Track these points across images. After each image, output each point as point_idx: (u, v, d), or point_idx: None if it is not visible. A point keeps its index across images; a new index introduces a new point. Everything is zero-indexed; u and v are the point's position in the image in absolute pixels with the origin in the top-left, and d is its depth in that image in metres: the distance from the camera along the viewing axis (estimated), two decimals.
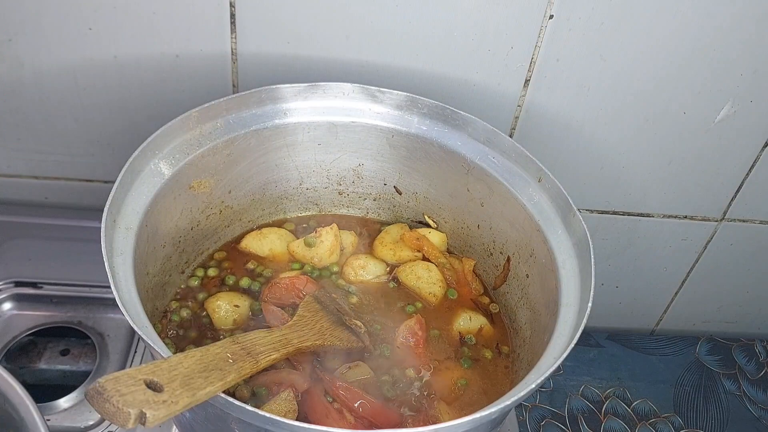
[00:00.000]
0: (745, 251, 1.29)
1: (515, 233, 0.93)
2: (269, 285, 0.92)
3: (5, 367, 0.77)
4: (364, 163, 1.02)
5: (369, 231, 1.06)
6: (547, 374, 0.68)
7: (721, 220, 1.23)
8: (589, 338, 1.36)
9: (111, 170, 1.13)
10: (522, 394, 0.65)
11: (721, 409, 1.28)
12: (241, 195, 0.98)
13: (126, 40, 0.98)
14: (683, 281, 1.34)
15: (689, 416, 1.26)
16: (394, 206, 1.07)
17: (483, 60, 1.01)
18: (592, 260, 0.78)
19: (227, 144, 0.90)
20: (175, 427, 0.89)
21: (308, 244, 0.97)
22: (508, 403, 0.64)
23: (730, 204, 1.21)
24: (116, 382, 0.55)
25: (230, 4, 0.95)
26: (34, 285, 1.04)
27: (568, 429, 1.21)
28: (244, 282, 0.94)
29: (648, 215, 1.22)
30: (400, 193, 1.04)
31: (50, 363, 1.00)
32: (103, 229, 0.72)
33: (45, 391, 0.92)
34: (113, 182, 0.77)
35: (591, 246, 0.79)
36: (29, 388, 0.77)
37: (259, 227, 1.02)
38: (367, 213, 1.09)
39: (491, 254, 0.99)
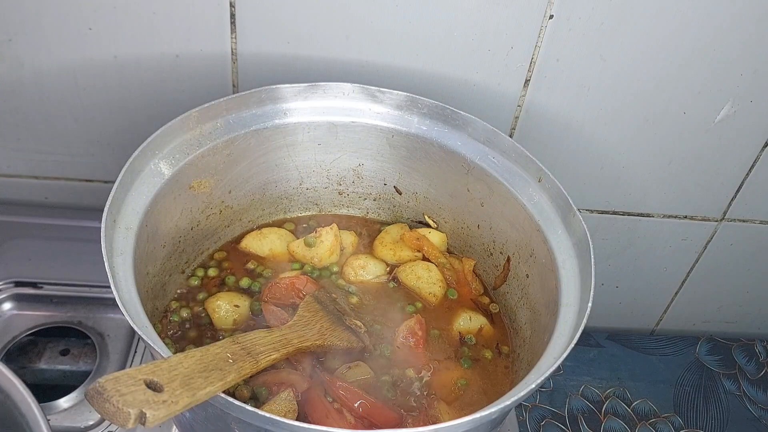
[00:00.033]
0: (745, 251, 1.29)
1: (515, 233, 0.93)
2: (269, 285, 0.92)
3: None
4: (364, 163, 1.02)
5: (369, 231, 1.06)
6: (547, 374, 0.68)
7: (721, 220, 1.23)
8: (589, 338, 1.36)
9: (111, 170, 1.13)
10: (522, 394, 0.65)
11: (721, 409, 1.28)
12: (241, 195, 0.98)
13: (126, 40, 0.98)
14: (683, 281, 1.34)
15: (689, 416, 1.26)
16: (394, 206, 1.07)
17: (483, 60, 1.01)
18: (592, 260, 0.78)
19: (227, 144, 0.90)
20: (175, 427, 0.89)
21: (308, 244, 0.97)
22: (508, 403, 0.64)
23: (730, 204, 1.21)
24: (116, 382, 0.55)
25: (230, 4, 0.95)
26: (34, 285, 1.04)
27: (568, 429, 1.21)
28: (244, 282, 0.94)
29: (648, 215, 1.22)
30: (400, 193, 1.05)
31: (50, 363, 1.00)
32: (103, 229, 0.72)
33: (45, 391, 0.92)
34: (113, 182, 0.77)
35: (591, 246, 0.79)
36: (29, 388, 0.77)
37: (259, 227, 1.02)
38: (367, 213, 1.09)
39: (491, 254, 0.99)
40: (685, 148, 1.12)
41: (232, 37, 0.98)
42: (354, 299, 0.94)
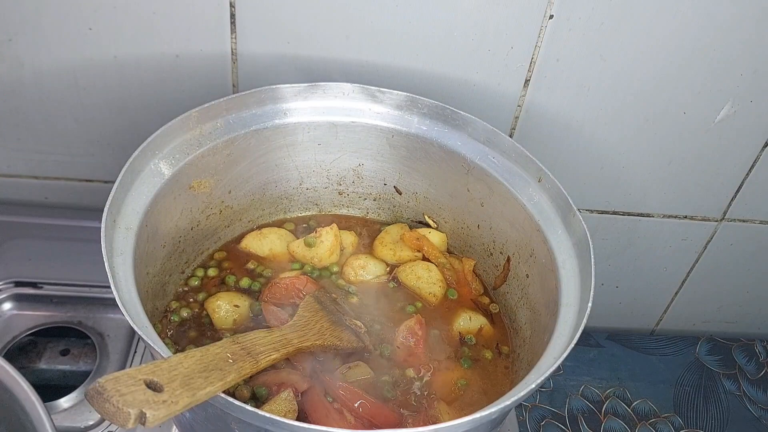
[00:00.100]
0: (745, 251, 1.29)
1: (515, 233, 0.93)
2: (269, 285, 0.92)
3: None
4: (364, 163, 1.02)
5: (369, 231, 1.06)
6: (547, 374, 0.68)
7: (721, 220, 1.23)
8: (589, 338, 1.36)
9: (111, 170, 1.13)
10: (522, 394, 0.65)
11: (721, 409, 1.28)
12: (241, 195, 0.98)
13: (126, 40, 0.98)
14: (683, 281, 1.34)
15: (689, 416, 1.26)
16: (394, 206, 1.07)
17: (483, 60, 1.01)
18: (592, 260, 0.78)
19: (227, 144, 0.90)
20: (175, 427, 0.89)
21: (308, 244, 0.97)
22: (508, 403, 0.64)
23: (730, 204, 1.21)
24: (116, 382, 0.55)
25: (230, 4, 0.95)
26: (34, 285, 1.04)
27: (568, 429, 1.21)
28: (244, 282, 0.94)
29: (648, 215, 1.22)
30: (400, 193, 1.05)
31: (50, 363, 1.00)
32: (103, 229, 0.72)
33: (45, 391, 0.92)
34: (113, 182, 0.77)
35: (591, 246, 0.79)
36: None
37: (259, 227, 1.02)
38: (367, 213, 1.09)
39: (491, 254, 0.99)
40: (685, 148, 1.12)
41: (232, 37, 0.98)
42: (354, 299, 0.94)
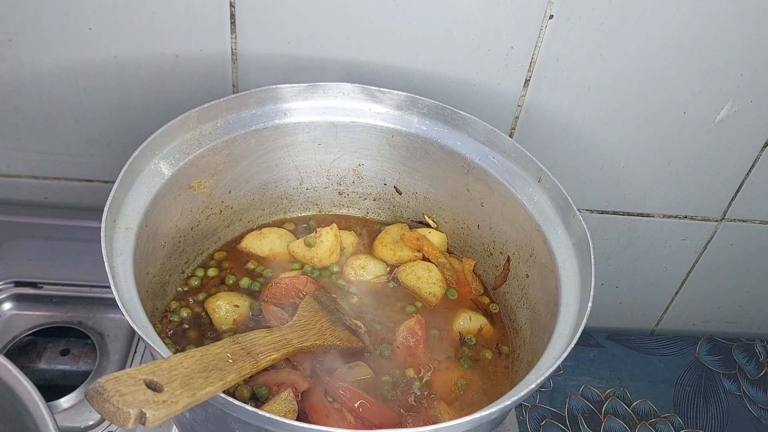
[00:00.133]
0: (745, 251, 1.29)
1: (515, 233, 0.93)
2: (269, 285, 0.92)
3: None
4: (364, 163, 1.02)
5: (369, 231, 1.06)
6: (547, 374, 0.68)
7: (721, 220, 1.23)
8: (589, 338, 1.36)
9: (111, 170, 1.13)
10: (522, 394, 0.65)
11: (721, 409, 1.28)
12: (241, 195, 0.98)
13: (126, 40, 0.98)
14: (683, 281, 1.34)
15: (689, 416, 1.26)
16: (394, 206, 1.07)
17: (483, 60, 1.01)
18: (592, 260, 0.78)
19: (227, 144, 0.90)
20: (175, 427, 0.89)
21: (308, 244, 0.97)
22: (508, 403, 0.64)
23: (730, 204, 1.21)
24: (116, 382, 0.55)
25: (230, 4, 0.95)
26: (34, 285, 1.04)
27: (568, 429, 1.21)
28: (244, 282, 0.94)
29: (648, 215, 1.22)
30: (400, 193, 1.05)
31: (50, 363, 1.00)
32: (103, 229, 0.72)
33: (45, 391, 0.92)
34: (113, 182, 0.77)
35: (591, 246, 0.79)
36: None
37: (259, 227, 1.02)
38: (367, 213, 1.09)
39: (491, 254, 0.99)
40: (685, 148, 1.12)
41: (232, 37, 0.98)
42: (354, 299, 0.94)
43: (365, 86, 0.95)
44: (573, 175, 1.14)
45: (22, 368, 0.98)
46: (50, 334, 1.03)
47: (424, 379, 0.86)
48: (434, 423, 0.70)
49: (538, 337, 0.84)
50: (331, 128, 0.97)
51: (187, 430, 0.78)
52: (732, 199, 1.20)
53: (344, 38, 0.99)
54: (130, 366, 0.99)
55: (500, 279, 0.98)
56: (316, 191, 1.05)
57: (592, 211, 1.21)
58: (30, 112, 1.06)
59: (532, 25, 0.97)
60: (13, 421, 0.77)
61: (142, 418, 0.54)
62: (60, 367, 1.00)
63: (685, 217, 1.23)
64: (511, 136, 1.09)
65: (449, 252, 1.04)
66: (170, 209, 0.87)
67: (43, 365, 1.00)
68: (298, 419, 0.73)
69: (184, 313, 0.89)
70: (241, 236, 1.01)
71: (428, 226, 1.04)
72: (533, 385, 0.66)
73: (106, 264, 0.70)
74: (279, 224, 1.04)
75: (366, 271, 0.97)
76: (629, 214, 1.22)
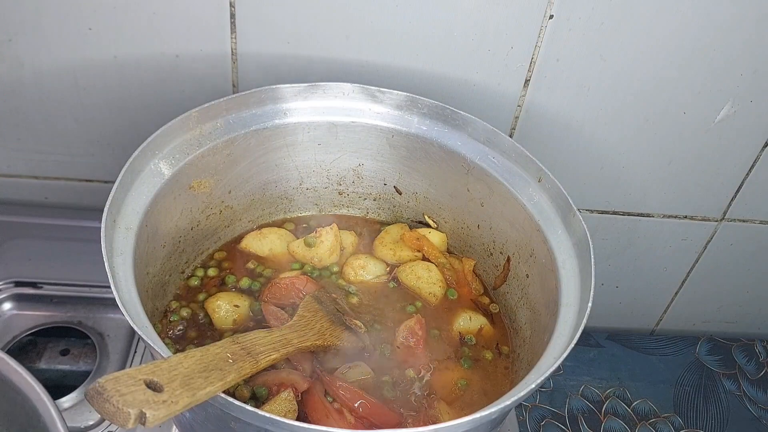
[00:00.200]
0: (745, 251, 1.29)
1: (515, 233, 0.93)
2: (269, 285, 0.92)
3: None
4: (364, 163, 1.02)
5: (369, 231, 1.05)
6: (547, 374, 0.68)
7: (721, 220, 1.23)
8: (589, 338, 1.36)
9: (111, 170, 1.13)
10: (522, 394, 0.65)
11: (721, 409, 1.28)
12: (241, 195, 0.98)
13: (126, 40, 0.98)
14: (683, 281, 1.34)
15: (689, 416, 1.26)
16: (394, 206, 1.07)
17: (483, 60, 1.01)
18: (592, 260, 0.78)
19: (227, 144, 0.90)
20: (175, 427, 0.89)
21: (308, 244, 0.97)
22: (508, 403, 0.64)
23: (730, 204, 1.21)
24: (116, 382, 0.55)
25: (230, 4, 0.95)
26: (34, 285, 1.04)
27: (568, 429, 1.21)
28: (244, 282, 0.94)
29: (648, 215, 1.22)
30: (400, 193, 1.05)
31: (50, 363, 1.00)
32: (103, 229, 0.72)
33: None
34: (113, 182, 0.77)
35: (591, 246, 0.79)
36: None
37: (259, 227, 1.02)
38: (367, 213, 1.09)
39: (491, 254, 0.99)
40: (685, 148, 1.12)
41: (232, 37, 0.98)
42: (354, 299, 0.94)
43: (365, 86, 0.95)
44: (573, 175, 1.14)
45: None
46: (50, 334, 1.03)
47: (424, 379, 0.86)
48: (434, 423, 0.70)
49: (538, 337, 0.84)
50: (331, 128, 0.97)
51: (187, 430, 0.78)
52: (732, 199, 1.20)
53: (344, 38, 0.99)
54: (130, 366, 0.99)
55: (500, 279, 0.98)
56: (316, 191, 1.05)
57: (592, 211, 1.21)
58: (30, 112, 1.06)
59: (532, 25, 0.97)
60: (21, 421, 0.77)
61: (142, 418, 0.54)
62: (60, 367, 1.00)
63: (685, 217, 1.23)
64: (511, 136, 1.09)
65: (449, 252, 1.04)
66: (170, 209, 0.87)
67: (43, 365, 1.00)
68: (298, 419, 0.73)
69: (184, 313, 0.89)
70: (241, 236, 1.01)
71: (428, 226, 1.04)
72: (533, 385, 0.66)
73: (106, 264, 0.70)
74: (279, 224, 1.04)
75: (366, 271, 0.97)
76: (629, 214, 1.22)
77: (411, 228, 1.04)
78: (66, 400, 0.93)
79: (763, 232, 1.26)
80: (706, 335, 1.41)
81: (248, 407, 0.61)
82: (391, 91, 0.94)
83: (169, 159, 0.85)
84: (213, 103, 0.88)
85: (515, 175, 0.91)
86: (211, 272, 0.95)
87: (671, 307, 1.40)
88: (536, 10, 0.96)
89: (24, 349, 1.01)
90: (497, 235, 0.97)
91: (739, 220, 1.24)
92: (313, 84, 0.93)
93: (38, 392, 0.75)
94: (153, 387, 0.57)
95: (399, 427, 0.79)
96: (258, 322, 0.89)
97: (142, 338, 0.65)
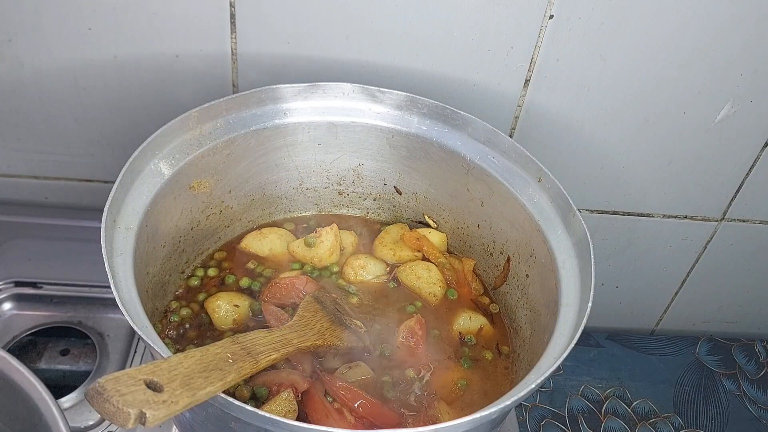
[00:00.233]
0: (745, 251, 1.29)
1: (515, 233, 0.93)
2: (269, 285, 0.92)
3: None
4: (364, 163, 1.02)
5: (369, 231, 1.05)
6: (547, 374, 0.68)
7: (721, 220, 1.23)
8: (589, 338, 1.36)
9: (111, 170, 1.13)
10: (522, 394, 0.65)
11: (721, 409, 1.28)
12: (241, 195, 0.98)
13: (126, 40, 0.98)
14: (683, 281, 1.34)
15: (689, 416, 1.26)
16: (394, 206, 1.07)
17: (483, 60, 1.01)
18: (592, 260, 0.78)
19: (227, 144, 0.90)
20: (175, 427, 0.89)
21: (308, 244, 0.97)
22: (508, 403, 0.64)
23: (730, 204, 1.21)
24: (116, 382, 0.55)
25: (230, 4, 0.95)
26: (34, 285, 1.04)
27: (568, 429, 1.21)
28: (244, 282, 0.94)
29: (648, 215, 1.22)
30: (400, 193, 1.05)
31: (50, 363, 1.00)
32: (103, 229, 0.72)
33: None
34: (113, 182, 0.77)
35: (591, 246, 0.79)
36: None
37: (259, 227, 1.02)
38: (367, 213, 1.09)
39: (491, 254, 0.99)
40: (685, 148, 1.12)
41: (232, 37, 0.98)
42: (354, 299, 0.94)
43: (365, 86, 0.95)
44: (573, 175, 1.14)
45: None
46: (50, 334, 1.03)
47: (424, 379, 0.86)
48: (434, 423, 0.70)
49: (538, 337, 0.84)
50: (331, 128, 0.97)
51: (187, 430, 0.78)
52: (732, 199, 1.20)
53: (344, 38, 0.99)
54: (130, 366, 0.99)
55: (500, 279, 0.98)
56: (316, 191, 1.05)
57: (592, 211, 1.21)
58: (30, 112, 1.06)
59: (532, 25, 0.97)
60: (22, 419, 0.77)
61: (142, 418, 0.54)
62: (60, 367, 1.00)
63: (685, 217, 1.23)
64: (511, 136, 1.09)
65: (449, 252, 1.04)
66: (170, 209, 0.87)
67: (43, 365, 1.00)
68: (298, 419, 0.73)
69: (184, 313, 0.89)
70: (241, 236, 1.01)
71: (428, 226, 1.04)
72: (533, 385, 0.66)
73: (106, 264, 0.70)
74: (279, 224, 1.04)
75: (366, 271, 0.97)
76: (629, 214, 1.22)
77: (411, 228, 1.04)
78: (66, 400, 0.93)
79: (763, 232, 1.26)
80: (706, 335, 1.41)
81: (248, 407, 0.61)
82: (391, 91, 0.94)
83: (169, 159, 0.85)
84: (213, 103, 0.88)
85: (515, 175, 0.91)
86: (211, 272, 0.95)
87: (671, 307, 1.40)
88: (536, 10, 0.96)
89: (24, 349, 1.01)
90: (497, 235, 0.97)
91: (739, 220, 1.24)
92: (313, 84, 0.93)
93: (40, 391, 0.75)
94: (153, 387, 0.57)
95: (399, 427, 0.79)
96: (258, 322, 0.89)
97: (142, 338, 0.65)
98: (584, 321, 0.73)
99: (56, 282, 1.05)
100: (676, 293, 1.37)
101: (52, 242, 1.10)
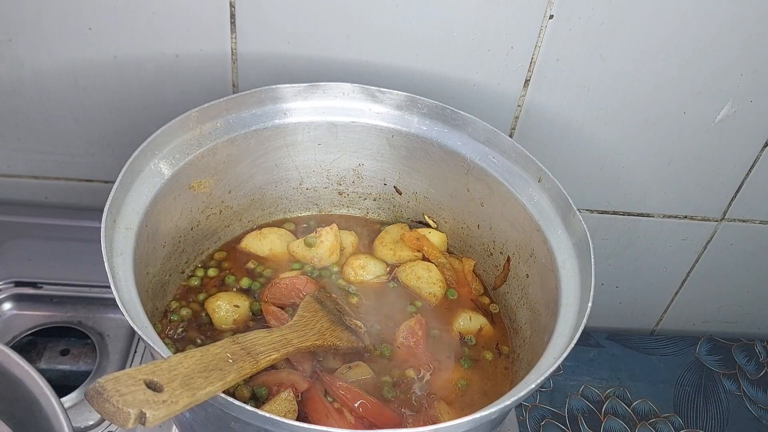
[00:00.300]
0: (745, 251, 1.29)
1: (515, 233, 0.93)
2: (269, 285, 0.92)
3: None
4: (364, 163, 1.02)
5: (369, 231, 1.06)
6: (547, 374, 0.68)
7: (721, 220, 1.23)
8: (589, 338, 1.36)
9: (111, 170, 1.13)
10: (522, 394, 0.65)
11: (721, 409, 1.28)
12: (241, 195, 0.98)
13: (126, 40, 0.98)
14: (683, 281, 1.34)
15: (689, 416, 1.26)
16: (394, 206, 1.07)
17: (483, 60, 1.01)
18: (592, 260, 0.78)
19: (227, 144, 0.90)
20: (175, 427, 0.89)
21: (308, 244, 0.97)
22: (508, 403, 0.64)
23: (730, 204, 1.21)
24: (116, 382, 0.55)
25: (230, 4, 0.95)
26: (34, 285, 1.04)
27: (568, 429, 1.21)
28: (244, 282, 0.94)
29: (648, 215, 1.22)
30: (400, 193, 1.05)
31: (50, 363, 1.00)
32: (103, 229, 0.72)
33: None
34: (113, 182, 0.77)
35: (591, 246, 0.79)
36: None
37: (259, 227, 1.02)
38: (367, 213, 1.09)
39: (491, 254, 0.99)
40: (685, 148, 1.12)
41: (232, 37, 0.98)
42: (354, 299, 0.94)
43: (365, 86, 0.95)
44: (573, 175, 1.14)
45: None
46: (50, 334, 1.03)
47: (424, 379, 0.86)
48: (434, 423, 0.70)
49: (538, 337, 0.84)
50: (331, 128, 0.97)
51: (187, 430, 0.78)
52: (732, 199, 1.20)
53: (344, 38, 0.99)
54: (130, 366, 0.99)
55: (500, 279, 0.98)
56: (316, 191, 1.05)
57: (592, 211, 1.21)
58: (30, 112, 1.06)
59: (532, 25, 0.97)
60: (27, 417, 0.77)
61: (142, 418, 0.54)
62: (60, 367, 1.00)
63: (685, 217, 1.23)
64: (511, 136, 1.09)
65: (449, 252, 1.04)
66: (170, 209, 0.87)
67: (43, 365, 1.00)
68: (298, 419, 0.73)
69: (184, 313, 0.89)
70: (241, 236, 1.01)
71: (428, 226, 1.04)
72: (533, 385, 0.66)
73: (106, 264, 0.70)
74: (279, 224, 1.04)
75: (366, 271, 0.97)
76: (629, 214, 1.22)
77: (411, 228, 1.04)
78: (66, 400, 0.93)
79: (763, 232, 1.26)
80: (706, 335, 1.41)
81: (248, 407, 0.61)
82: (391, 91, 0.94)
83: (169, 159, 0.85)
84: (213, 103, 0.88)
85: (515, 175, 0.91)
86: (211, 272, 0.95)
87: (671, 307, 1.40)
88: (536, 10, 0.96)
89: (24, 349, 1.01)
90: (497, 235, 0.97)
91: (739, 220, 1.24)
92: (313, 84, 0.93)
93: (41, 386, 0.75)
94: (153, 387, 0.57)
95: (399, 427, 0.79)
96: (258, 322, 0.89)
97: (142, 338, 0.65)
98: (584, 321, 0.73)
99: (56, 282, 1.05)
100: (676, 293, 1.37)
101: (52, 242, 1.10)
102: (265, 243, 0.99)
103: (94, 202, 1.17)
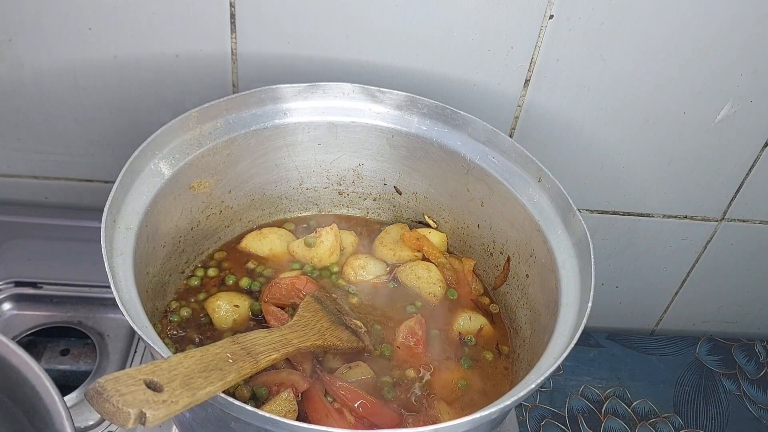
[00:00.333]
0: (745, 251, 1.29)
1: (515, 233, 0.93)
2: (269, 285, 0.92)
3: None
4: (364, 163, 1.02)
5: (369, 231, 1.06)
6: (547, 374, 0.68)
7: (721, 220, 1.23)
8: (589, 338, 1.36)
9: (111, 170, 1.13)
10: (522, 394, 0.65)
11: (721, 409, 1.28)
12: (241, 195, 0.98)
13: (126, 40, 0.98)
14: (683, 281, 1.34)
15: (689, 416, 1.26)
16: (394, 206, 1.07)
17: (483, 60, 1.01)
18: (592, 260, 0.78)
19: (227, 144, 0.90)
20: (175, 427, 0.89)
21: (308, 244, 0.97)
22: (508, 403, 0.64)
23: (730, 204, 1.21)
24: (116, 382, 0.55)
25: (230, 4, 0.95)
26: (34, 285, 1.04)
27: (568, 429, 1.21)
28: (244, 282, 0.94)
29: (648, 215, 1.22)
30: (400, 193, 1.05)
31: (50, 363, 1.00)
32: (103, 229, 0.72)
33: None
34: (113, 182, 0.77)
35: (591, 246, 0.79)
36: None
37: (259, 227, 1.02)
38: (367, 213, 1.09)
39: (491, 254, 0.99)
40: (685, 148, 1.12)
41: (232, 37, 0.98)
42: (354, 299, 0.94)
43: (365, 86, 0.95)
44: (573, 175, 1.14)
45: None
46: (50, 334, 1.03)
47: (424, 379, 0.86)
48: (434, 423, 0.70)
49: (538, 337, 0.84)
50: (331, 128, 0.97)
51: (187, 430, 0.78)
52: (732, 199, 1.20)
53: (344, 38, 0.99)
54: (130, 366, 0.99)
55: (500, 279, 0.98)
56: (316, 191, 1.05)
57: (592, 211, 1.21)
58: (30, 112, 1.06)
59: (532, 25, 0.97)
60: (30, 412, 0.77)
61: (142, 418, 0.54)
62: (60, 367, 1.00)
63: (685, 217, 1.23)
64: (511, 136, 1.09)
65: (449, 252, 1.04)
66: (170, 209, 0.87)
67: (43, 365, 0.99)
68: (298, 419, 0.73)
69: (184, 313, 0.89)
70: (241, 236, 1.01)
71: (428, 226, 1.04)
72: (533, 385, 0.66)
73: (106, 264, 0.70)
74: (279, 224, 1.04)
75: (366, 271, 0.97)
76: (629, 214, 1.22)
77: (411, 228, 1.04)
78: (66, 400, 0.93)
79: (763, 232, 1.26)
80: (706, 335, 1.41)
81: (248, 407, 0.61)
82: (391, 91, 0.94)
83: (169, 159, 0.85)
84: (213, 103, 0.88)
85: (515, 175, 0.91)
86: (211, 272, 0.95)
87: (671, 307, 1.40)
88: (536, 10, 0.96)
89: (24, 349, 1.01)
90: (497, 235, 0.97)
91: (739, 220, 1.24)
92: (313, 84, 0.93)
93: (46, 384, 0.76)
94: (153, 387, 0.57)
95: (399, 427, 0.79)
96: (258, 322, 0.89)
97: (142, 338, 0.66)
98: (584, 321, 0.73)
99: (56, 282, 1.05)
100: (676, 293, 1.37)
101: (52, 242, 1.10)
102: (265, 243, 0.99)
103: (94, 202, 1.17)
